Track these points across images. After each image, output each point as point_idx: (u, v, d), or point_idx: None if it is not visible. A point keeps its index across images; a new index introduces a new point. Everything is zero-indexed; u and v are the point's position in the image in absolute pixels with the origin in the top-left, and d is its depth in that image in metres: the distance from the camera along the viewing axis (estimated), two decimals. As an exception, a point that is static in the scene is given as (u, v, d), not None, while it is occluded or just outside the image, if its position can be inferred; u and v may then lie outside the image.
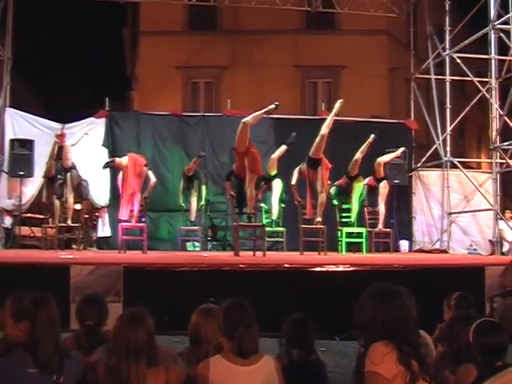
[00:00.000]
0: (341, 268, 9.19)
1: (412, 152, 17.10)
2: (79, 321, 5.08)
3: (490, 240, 15.59)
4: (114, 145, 15.83)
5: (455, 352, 4.56)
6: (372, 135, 14.14)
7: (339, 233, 14.30)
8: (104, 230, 15.75)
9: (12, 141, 15.20)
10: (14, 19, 16.31)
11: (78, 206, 14.45)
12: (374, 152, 15.91)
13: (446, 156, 16.63)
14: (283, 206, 14.53)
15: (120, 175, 13.40)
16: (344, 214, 14.48)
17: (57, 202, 14.08)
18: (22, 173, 14.93)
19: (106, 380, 3.71)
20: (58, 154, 15.31)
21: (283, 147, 14.66)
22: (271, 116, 16.56)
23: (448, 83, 16.94)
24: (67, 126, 15.75)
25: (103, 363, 3.79)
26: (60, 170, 14.28)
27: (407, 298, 3.87)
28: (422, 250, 16.00)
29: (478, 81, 16.02)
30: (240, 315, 4.06)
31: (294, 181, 13.54)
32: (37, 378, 3.80)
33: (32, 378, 3.79)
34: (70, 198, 13.92)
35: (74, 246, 14.62)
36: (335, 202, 14.31)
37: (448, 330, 4.80)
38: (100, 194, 15.60)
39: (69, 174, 13.99)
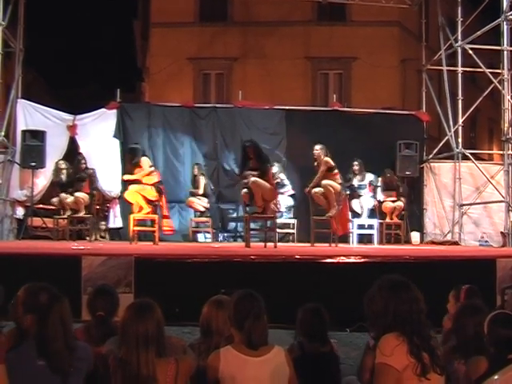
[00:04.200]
0: (352, 259, 9.18)
1: (423, 144, 17.04)
2: (90, 312, 5.11)
3: (501, 232, 15.52)
4: (125, 136, 15.82)
5: (464, 343, 4.55)
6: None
7: (350, 224, 14.31)
8: (115, 221, 15.77)
9: (24, 132, 15.22)
10: (26, 11, 16.37)
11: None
12: (386, 144, 15.95)
13: (457, 148, 16.56)
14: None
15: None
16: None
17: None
18: (33, 164, 14.95)
19: (116, 371, 3.73)
20: (69, 146, 15.40)
21: None
22: (282, 107, 16.63)
23: (460, 75, 16.85)
24: (78, 117, 15.78)
25: (113, 355, 3.81)
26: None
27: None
28: (433, 242, 15.94)
29: (490, 72, 15.92)
30: (249, 307, 4.07)
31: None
32: (46, 369, 3.83)
33: (41, 370, 3.82)
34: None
35: (87, 238, 14.67)
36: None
37: (455, 321, 4.79)
38: (111, 185, 15.61)
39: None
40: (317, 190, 12.48)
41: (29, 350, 3.89)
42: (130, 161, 13.28)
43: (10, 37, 15.72)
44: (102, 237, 15.59)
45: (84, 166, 14.66)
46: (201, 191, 14.93)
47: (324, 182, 12.36)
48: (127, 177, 13.23)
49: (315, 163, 12.87)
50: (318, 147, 12.82)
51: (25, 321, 4.11)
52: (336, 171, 12.56)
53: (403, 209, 15.09)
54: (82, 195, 14.08)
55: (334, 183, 12.40)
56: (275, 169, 14.44)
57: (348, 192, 14.13)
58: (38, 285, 4.28)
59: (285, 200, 14.68)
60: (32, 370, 3.80)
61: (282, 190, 14.45)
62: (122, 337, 3.82)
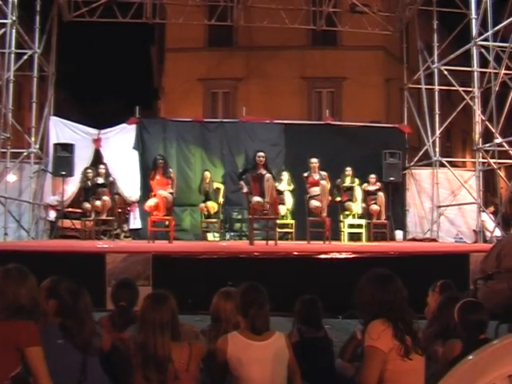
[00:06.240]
0: (343, 255, 9.17)
1: (405, 153, 17.04)
2: (114, 302, 5.12)
3: (473, 230, 15.55)
4: (143, 148, 15.85)
5: (444, 329, 4.55)
6: None
7: (341, 224, 14.29)
8: (135, 222, 15.78)
9: (55, 145, 15.30)
10: (57, 40, 16.47)
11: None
12: (372, 153, 15.91)
13: (435, 156, 16.58)
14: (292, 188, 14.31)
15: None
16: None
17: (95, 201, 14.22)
18: (63, 173, 15.02)
19: (136, 353, 3.76)
20: (94, 156, 15.43)
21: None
22: (282, 122, 16.63)
23: (436, 92, 16.91)
24: (103, 131, 15.86)
25: (133, 340, 3.84)
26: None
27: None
28: (414, 239, 15.95)
29: (463, 90, 15.93)
30: (254, 297, 4.08)
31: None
32: (64, 347, 3.90)
33: (60, 347, 3.88)
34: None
35: (111, 234, 14.69)
36: (338, 198, 14.28)
37: (438, 310, 4.80)
38: (131, 190, 15.63)
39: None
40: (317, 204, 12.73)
41: (50, 332, 3.93)
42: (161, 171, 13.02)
43: (44, 62, 15.88)
44: (125, 236, 15.64)
45: (105, 174, 14.69)
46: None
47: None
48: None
49: (307, 173, 13.07)
50: (316, 160, 13.14)
51: (46, 305, 4.16)
52: None
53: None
54: (106, 200, 14.09)
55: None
56: (285, 175, 14.36)
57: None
58: (60, 278, 4.34)
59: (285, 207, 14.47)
60: (53, 348, 3.83)
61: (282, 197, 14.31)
62: (141, 324, 3.86)
